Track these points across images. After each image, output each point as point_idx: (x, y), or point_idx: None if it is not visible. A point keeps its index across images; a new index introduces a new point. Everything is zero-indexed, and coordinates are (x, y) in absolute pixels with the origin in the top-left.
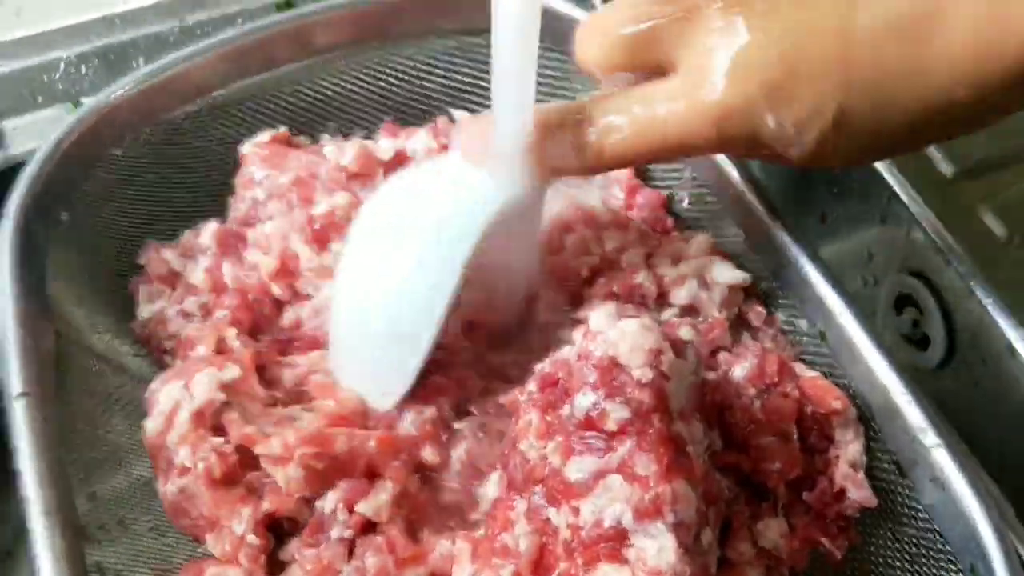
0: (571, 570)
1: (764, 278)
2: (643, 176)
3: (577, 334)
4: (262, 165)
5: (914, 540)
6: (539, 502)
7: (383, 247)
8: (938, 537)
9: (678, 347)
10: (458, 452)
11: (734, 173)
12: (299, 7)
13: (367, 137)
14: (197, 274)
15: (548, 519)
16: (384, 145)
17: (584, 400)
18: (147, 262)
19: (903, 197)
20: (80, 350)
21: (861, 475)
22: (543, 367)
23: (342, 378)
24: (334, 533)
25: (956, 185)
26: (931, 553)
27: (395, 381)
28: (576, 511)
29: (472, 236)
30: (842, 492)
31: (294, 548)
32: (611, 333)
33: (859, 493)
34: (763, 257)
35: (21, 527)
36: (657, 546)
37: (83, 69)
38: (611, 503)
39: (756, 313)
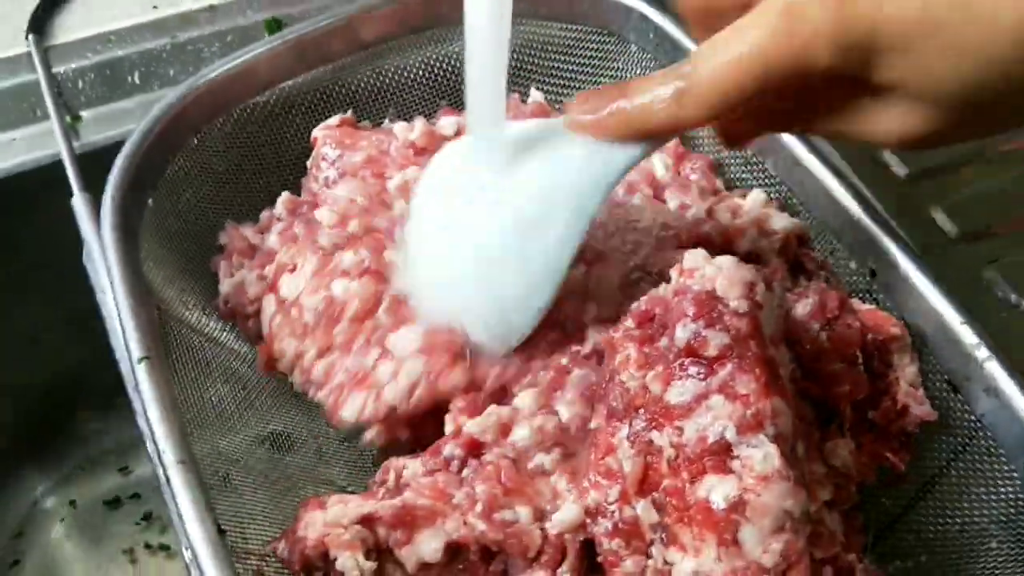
0: (676, 484)
1: (814, 227)
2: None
3: (673, 272)
4: (334, 146)
5: (968, 447)
6: (640, 426)
7: (504, 208)
8: (991, 442)
9: (767, 280)
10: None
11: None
12: (290, 26)
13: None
14: (271, 238)
15: (651, 441)
16: (446, 122)
17: (684, 330)
18: (227, 240)
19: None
20: (178, 323)
21: (921, 392)
22: (639, 305)
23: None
24: (446, 451)
25: (909, 185)
26: (985, 458)
27: (519, 324)
28: (679, 431)
29: (598, 197)
30: (904, 409)
31: (410, 474)
32: (708, 269)
33: (920, 408)
34: (815, 206)
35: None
36: (762, 454)
37: (80, 84)
38: (714, 421)
39: (810, 258)
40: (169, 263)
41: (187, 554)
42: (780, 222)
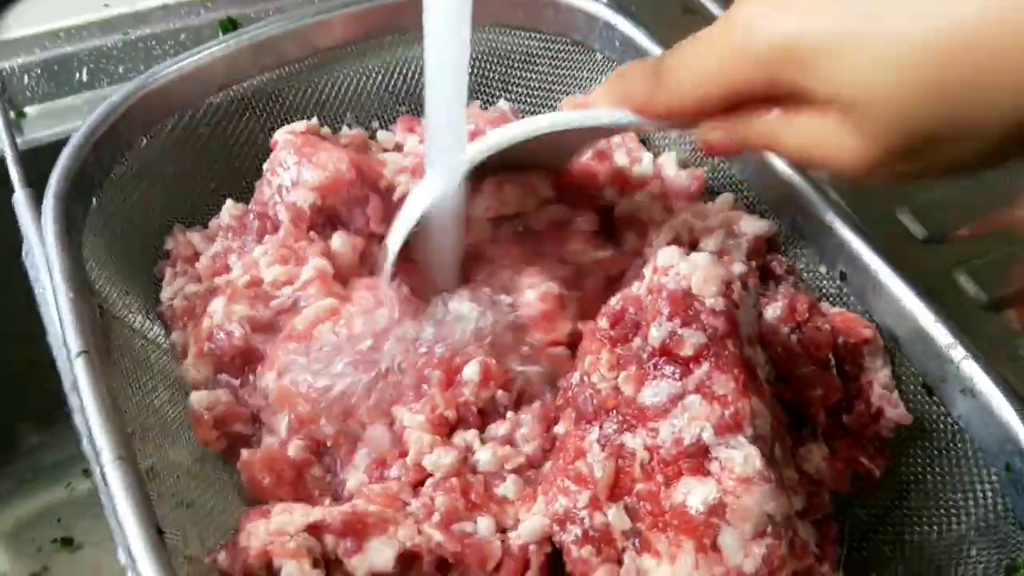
0: (651, 488)
1: (783, 232)
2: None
3: (647, 270)
4: (293, 152)
5: (945, 451)
6: (611, 429)
7: None
8: (970, 445)
9: (742, 279)
10: None
11: None
12: (245, 26)
13: (384, 127)
14: (203, 261)
15: (623, 444)
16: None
17: (659, 330)
18: (173, 245)
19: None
20: (121, 324)
21: (895, 395)
22: (613, 305)
23: None
24: (392, 472)
25: (874, 189)
26: (963, 462)
27: None
28: (654, 433)
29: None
30: (879, 413)
31: (353, 485)
32: (682, 266)
33: (895, 412)
34: (784, 209)
35: None
36: (742, 455)
37: (26, 79)
38: (691, 422)
39: (779, 262)
40: (112, 265)
41: (123, 557)
42: (749, 224)
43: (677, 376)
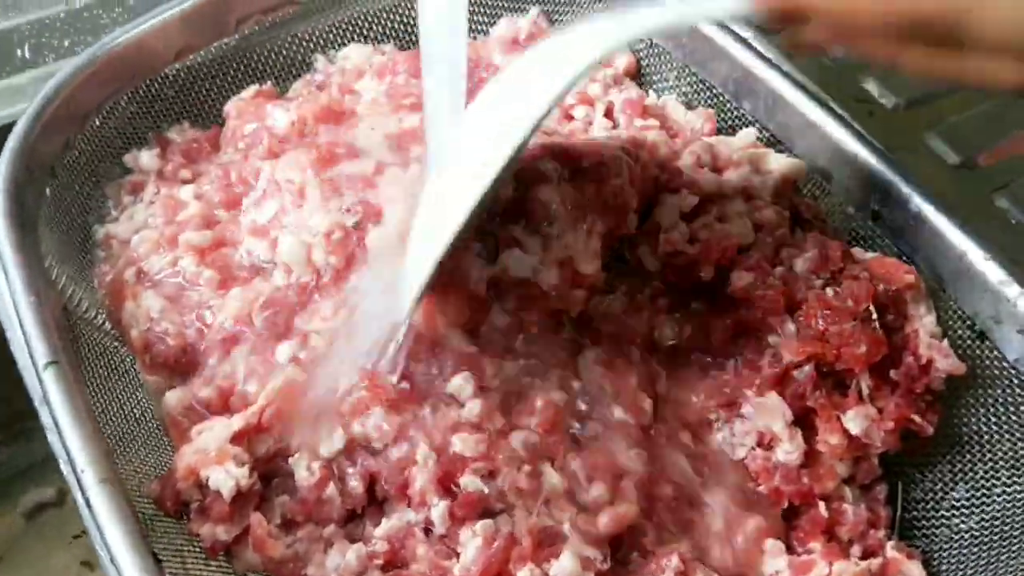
0: None
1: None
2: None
3: None
4: (247, 120)
5: (1002, 400)
6: None
7: None
8: None
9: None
10: None
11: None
12: None
13: None
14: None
15: None
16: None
17: None
18: None
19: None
20: (89, 327)
21: (945, 343)
22: None
23: None
24: None
25: (900, 116)
26: (1021, 409)
27: None
28: None
29: None
30: (928, 364)
31: None
32: None
33: (946, 361)
34: (803, 147)
35: None
36: None
37: None
38: None
39: (806, 206)
40: (73, 260)
41: None
42: (776, 162)
43: None
